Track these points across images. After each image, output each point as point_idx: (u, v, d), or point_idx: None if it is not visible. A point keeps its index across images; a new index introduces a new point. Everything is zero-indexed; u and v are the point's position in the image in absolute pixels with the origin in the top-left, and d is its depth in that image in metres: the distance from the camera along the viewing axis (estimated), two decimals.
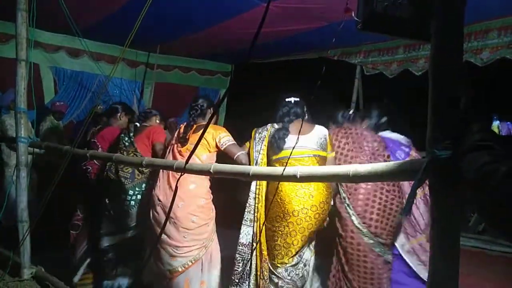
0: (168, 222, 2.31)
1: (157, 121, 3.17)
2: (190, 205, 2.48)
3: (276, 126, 2.46)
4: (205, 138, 2.48)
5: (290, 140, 2.34)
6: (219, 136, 2.57)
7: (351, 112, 2.81)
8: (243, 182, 2.51)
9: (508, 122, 5.73)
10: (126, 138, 2.83)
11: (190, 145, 2.52)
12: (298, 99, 2.53)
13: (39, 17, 3.08)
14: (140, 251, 2.80)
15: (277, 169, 1.78)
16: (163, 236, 2.41)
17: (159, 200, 2.52)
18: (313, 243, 2.44)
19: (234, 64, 7.05)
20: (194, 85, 6.79)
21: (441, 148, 1.11)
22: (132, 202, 2.72)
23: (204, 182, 2.56)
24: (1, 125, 4.14)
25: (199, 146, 2.19)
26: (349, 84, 5.77)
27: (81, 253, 3.03)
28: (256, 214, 2.37)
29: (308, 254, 2.40)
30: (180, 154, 2.56)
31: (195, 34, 4.79)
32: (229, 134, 2.63)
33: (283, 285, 2.29)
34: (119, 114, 3.29)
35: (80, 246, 3.06)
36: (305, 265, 2.37)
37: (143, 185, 2.77)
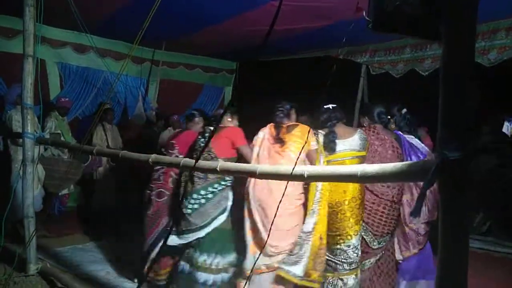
0: (269, 224, 2.46)
1: (229, 119, 3.19)
2: (290, 205, 2.64)
3: (321, 132, 2.78)
4: (300, 137, 2.71)
5: (339, 142, 2.70)
6: (311, 136, 2.77)
7: (385, 114, 3.01)
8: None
9: None
10: (202, 140, 3.00)
11: (288, 144, 2.72)
12: (335, 105, 2.87)
13: (46, 12, 3.09)
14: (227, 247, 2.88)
15: (283, 168, 1.78)
16: (263, 236, 2.56)
17: (259, 199, 2.65)
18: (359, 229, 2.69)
19: (239, 62, 7.04)
20: (198, 82, 6.79)
21: (451, 149, 1.10)
22: (203, 201, 2.82)
23: (300, 183, 2.70)
24: (8, 121, 4.15)
25: (296, 144, 2.68)
26: (354, 83, 5.75)
27: (152, 240, 3.15)
28: (319, 207, 2.60)
29: (355, 240, 2.64)
30: (280, 154, 2.73)
31: (200, 32, 4.78)
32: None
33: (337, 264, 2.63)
34: (196, 119, 3.46)
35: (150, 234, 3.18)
36: (354, 249, 2.63)
37: (215, 185, 2.86)
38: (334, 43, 4.72)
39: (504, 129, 5.25)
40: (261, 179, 2.44)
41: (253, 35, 4.32)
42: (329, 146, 2.68)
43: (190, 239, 2.85)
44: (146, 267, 3.08)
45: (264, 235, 2.58)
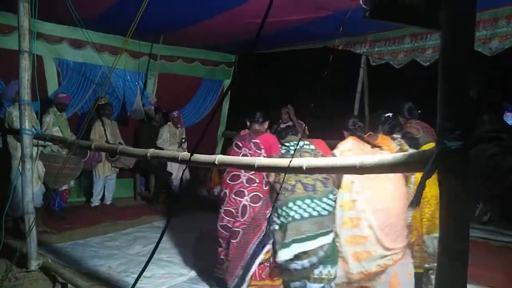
0: (389, 227, 2.57)
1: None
2: (405, 206, 2.68)
3: (395, 136, 2.96)
4: (386, 144, 2.83)
5: (420, 139, 2.92)
6: (391, 142, 2.90)
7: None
8: None
9: None
10: (306, 145, 2.91)
11: (384, 149, 2.78)
12: (391, 113, 3.05)
13: (41, 8, 3.06)
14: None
15: (282, 161, 1.76)
16: (382, 240, 2.56)
17: (384, 204, 2.61)
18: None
19: (238, 55, 7.00)
20: (197, 76, 6.75)
21: (451, 139, 1.08)
22: (333, 205, 2.72)
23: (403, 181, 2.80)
24: (7, 117, 4.14)
25: (384, 149, 2.78)
26: (354, 74, 5.72)
27: (246, 259, 2.91)
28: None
29: None
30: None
31: (198, 24, 4.74)
32: None
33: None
34: (264, 122, 3.25)
35: (244, 253, 2.92)
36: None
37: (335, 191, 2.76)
38: (333, 34, 4.67)
39: (508, 119, 5.22)
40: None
41: (252, 27, 4.27)
42: (413, 142, 2.86)
43: (317, 244, 2.63)
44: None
45: (379, 239, 2.56)
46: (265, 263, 2.90)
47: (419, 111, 3.24)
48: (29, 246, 3.12)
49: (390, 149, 2.80)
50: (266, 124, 3.27)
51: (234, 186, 2.97)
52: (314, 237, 2.64)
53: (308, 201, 2.70)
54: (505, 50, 3.77)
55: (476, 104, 1.10)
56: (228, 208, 2.97)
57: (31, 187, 3.19)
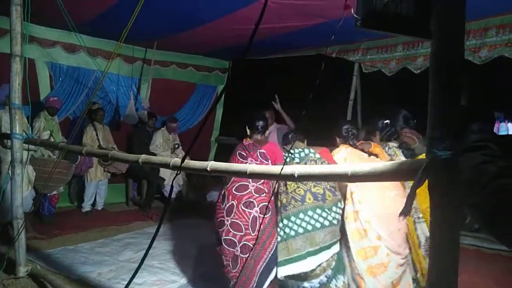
0: (395, 233, 2.56)
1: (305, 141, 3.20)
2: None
3: (390, 144, 2.95)
4: (380, 152, 2.84)
5: (416, 149, 2.91)
6: (383, 150, 2.90)
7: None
8: None
9: None
10: (311, 152, 2.90)
11: (380, 158, 2.79)
12: (388, 120, 3.05)
13: (34, 11, 3.05)
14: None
15: (274, 168, 1.76)
16: (393, 247, 2.55)
17: (388, 211, 2.57)
18: None
19: (232, 61, 7.01)
20: (191, 81, 6.75)
21: (441, 148, 1.09)
22: (339, 216, 2.72)
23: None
24: None
25: (380, 158, 2.77)
26: (347, 81, 5.76)
27: (257, 277, 2.72)
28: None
29: None
30: None
31: (192, 30, 4.75)
32: None
33: None
34: (266, 131, 3.15)
35: (255, 269, 2.74)
36: None
37: (342, 201, 2.75)
38: (326, 41, 4.71)
39: (503, 129, 5.26)
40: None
41: (245, 33, 4.29)
42: (409, 153, 2.87)
43: (330, 254, 2.63)
44: None
45: (391, 247, 2.56)
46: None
47: (414, 120, 3.19)
48: (17, 252, 3.07)
49: (383, 158, 2.81)
50: (267, 133, 3.18)
51: (242, 197, 2.79)
52: (328, 247, 2.63)
53: (319, 211, 2.69)
54: (496, 59, 3.83)
55: (467, 113, 1.11)
56: (236, 221, 2.75)
57: (20, 192, 3.15)
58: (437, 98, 1.14)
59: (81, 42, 4.14)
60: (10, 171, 3.20)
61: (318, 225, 2.65)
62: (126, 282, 3.17)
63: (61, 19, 3.44)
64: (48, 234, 4.35)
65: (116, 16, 4.11)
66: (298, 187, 2.72)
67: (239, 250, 2.74)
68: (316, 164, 2.81)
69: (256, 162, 2.90)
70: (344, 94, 5.78)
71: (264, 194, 2.82)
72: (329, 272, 2.63)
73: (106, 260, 3.76)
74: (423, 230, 2.65)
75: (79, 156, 4.71)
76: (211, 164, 1.88)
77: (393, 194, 2.64)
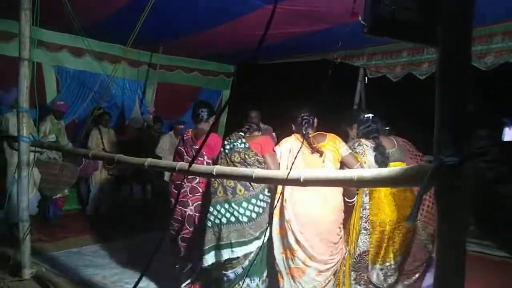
0: (318, 239, 2.44)
1: (259, 132, 3.03)
2: (339, 218, 2.55)
3: (363, 141, 2.69)
4: (334, 147, 2.59)
5: (390, 155, 2.64)
6: (339, 144, 2.61)
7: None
8: None
9: None
10: (239, 143, 2.74)
11: (326, 154, 2.56)
12: (373, 114, 2.75)
13: (43, 16, 3.08)
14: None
15: (280, 172, 1.77)
16: (311, 254, 2.46)
17: (308, 216, 2.47)
18: None
19: (237, 65, 7.04)
20: (196, 86, 6.78)
21: (447, 154, 1.09)
22: (261, 210, 2.61)
23: (341, 194, 2.60)
24: (4, 123, 4.13)
25: (332, 154, 2.56)
26: (351, 86, 5.76)
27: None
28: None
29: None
30: (321, 167, 2.54)
31: (198, 35, 4.78)
32: (344, 143, 2.66)
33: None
34: (209, 118, 3.07)
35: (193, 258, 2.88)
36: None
37: (265, 192, 2.65)
38: (331, 46, 4.72)
39: (509, 135, 5.23)
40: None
41: (251, 38, 4.32)
42: (381, 159, 2.59)
43: (238, 254, 2.55)
44: None
45: (311, 252, 2.45)
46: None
47: (388, 127, 2.99)
48: (22, 254, 3.09)
49: (335, 155, 2.57)
50: (211, 121, 3.05)
51: (178, 196, 2.87)
52: (234, 245, 2.53)
53: (226, 205, 2.58)
54: (505, 65, 3.83)
55: (475, 119, 1.12)
56: (176, 217, 2.90)
57: (27, 194, 3.17)
58: (444, 105, 1.14)
59: (88, 46, 4.19)
60: (16, 174, 3.22)
61: (224, 220, 2.57)
62: (130, 286, 3.20)
63: (69, 23, 3.49)
64: (53, 236, 4.37)
65: (122, 20, 4.14)
66: (214, 180, 2.63)
67: (179, 240, 2.90)
68: (239, 155, 2.68)
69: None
70: (348, 99, 5.78)
71: (199, 193, 2.87)
72: (239, 270, 2.58)
73: (110, 263, 3.77)
74: (362, 242, 2.54)
75: (83, 159, 4.73)
76: (217, 169, 1.89)
77: (325, 198, 2.49)
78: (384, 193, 2.56)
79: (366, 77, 5.47)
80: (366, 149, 2.66)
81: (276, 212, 2.56)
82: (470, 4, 1.13)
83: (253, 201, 2.58)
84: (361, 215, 2.58)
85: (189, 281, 2.94)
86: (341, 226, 2.60)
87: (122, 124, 6.01)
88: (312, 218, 2.47)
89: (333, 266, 2.53)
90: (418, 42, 1.33)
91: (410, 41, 1.34)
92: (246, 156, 2.68)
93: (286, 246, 2.52)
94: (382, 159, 2.58)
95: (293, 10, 3.57)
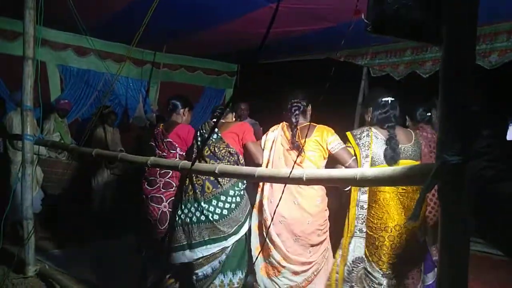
0: (293, 240, 2.33)
1: (233, 119, 2.91)
2: (318, 220, 2.40)
3: (374, 130, 2.32)
4: (319, 143, 2.35)
5: (402, 150, 2.26)
6: (329, 139, 2.38)
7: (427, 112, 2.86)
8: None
9: None
10: (213, 134, 2.59)
11: (307, 153, 2.35)
12: (393, 98, 2.33)
13: (47, 15, 3.09)
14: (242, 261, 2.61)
15: (282, 171, 1.76)
16: (286, 254, 2.37)
17: (283, 217, 2.36)
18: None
19: (240, 64, 7.04)
20: (200, 85, 6.79)
21: (451, 153, 1.09)
22: (233, 205, 2.53)
23: (324, 195, 2.46)
24: (7, 122, 4.16)
25: (316, 153, 2.29)
26: (355, 85, 5.74)
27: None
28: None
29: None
30: (299, 166, 2.35)
31: (201, 34, 4.78)
32: (337, 136, 2.41)
33: None
34: (182, 110, 2.99)
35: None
36: None
37: (240, 186, 2.56)
38: (335, 45, 4.71)
39: None
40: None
41: (254, 37, 4.32)
42: (391, 156, 2.23)
43: (213, 250, 2.48)
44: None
45: (286, 253, 2.37)
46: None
47: (428, 114, 2.87)
48: (27, 252, 3.11)
49: (322, 152, 2.37)
50: (181, 113, 2.98)
51: (151, 192, 2.80)
52: (208, 242, 2.47)
53: (196, 204, 2.51)
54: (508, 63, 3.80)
55: (479, 118, 1.11)
56: (148, 217, 2.80)
57: (30, 192, 3.19)
58: (448, 103, 1.13)
59: (92, 45, 4.20)
60: (20, 172, 3.24)
61: (194, 219, 2.50)
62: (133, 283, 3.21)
63: (73, 22, 3.50)
64: (57, 234, 4.39)
65: (126, 19, 4.15)
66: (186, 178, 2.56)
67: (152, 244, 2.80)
68: (208, 147, 2.58)
69: (163, 154, 2.83)
70: (352, 97, 5.76)
71: (173, 188, 2.79)
72: (215, 263, 2.51)
73: (114, 260, 3.78)
74: (356, 247, 2.32)
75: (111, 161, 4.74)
76: (219, 167, 1.89)
77: (299, 200, 2.37)
78: (390, 195, 2.24)
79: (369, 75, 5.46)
80: (375, 141, 2.29)
81: (256, 207, 2.50)
82: (474, 3, 1.13)
83: (223, 198, 2.49)
84: (356, 215, 2.32)
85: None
86: (323, 227, 2.46)
87: (126, 122, 6.03)
88: (287, 219, 2.37)
89: (312, 267, 2.44)
90: (422, 41, 1.32)
91: (414, 40, 1.33)
92: (216, 149, 2.57)
93: (261, 243, 2.46)
94: (391, 155, 2.23)
95: (297, 9, 3.57)
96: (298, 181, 1.57)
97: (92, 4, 3.88)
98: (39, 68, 3.19)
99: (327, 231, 2.52)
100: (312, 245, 2.43)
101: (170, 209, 2.76)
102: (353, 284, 2.32)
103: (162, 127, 2.97)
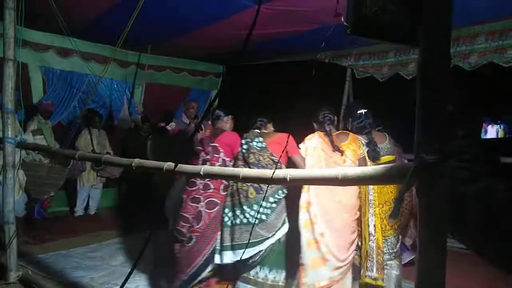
0: (335, 236, 2.52)
1: (272, 128, 3.14)
2: (352, 216, 2.66)
3: (362, 139, 2.82)
4: (356, 149, 2.73)
5: (380, 149, 2.79)
6: (360, 146, 2.79)
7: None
8: None
9: None
10: (256, 142, 2.84)
11: (346, 153, 2.69)
12: (366, 110, 2.86)
13: (28, 15, 3.05)
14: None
15: (266, 172, 1.78)
16: (331, 249, 2.53)
17: (327, 214, 2.57)
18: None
19: (226, 65, 7.04)
20: (185, 86, 6.76)
21: (428, 153, 1.12)
22: (269, 211, 2.74)
23: (358, 194, 2.74)
24: None
25: (351, 153, 2.71)
26: (339, 87, 5.80)
27: (195, 268, 2.88)
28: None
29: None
30: (341, 165, 2.65)
31: (186, 35, 4.77)
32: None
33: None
34: (225, 117, 3.17)
35: (194, 261, 2.88)
36: None
37: (279, 192, 2.76)
38: (319, 47, 4.75)
39: (491, 132, 5.35)
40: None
41: (239, 38, 4.33)
42: (373, 154, 2.76)
43: (252, 253, 2.67)
44: None
45: (331, 247, 2.54)
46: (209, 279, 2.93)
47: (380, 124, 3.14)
48: (8, 257, 3.04)
49: (355, 155, 2.72)
50: (225, 120, 3.17)
51: (191, 192, 2.95)
52: (248, 245, 2.61)
53: (240, 208, 2.74)
54: (486, 64, 3.90)
55: (455, 118, 1.14)
56: (184, 214, 2.93)
57: (12, 196, 3.13)
58: (425, 104, 1.16)
59: (75, 46, 4.15)
60: (1, 176, 3.18)
61: (237, 221, 2.73)
62: (118, 287, 3.17)
63: (55, 23, 3.45)
64: (40, 238, 4.32)
65: (110, 20, 4.12)
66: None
67: (186, 241, 2.91)
68: (253, 156, 2.80)
69: (207, 156, 3.00)
70: (336, 98, 5.82)
71: (211, 189, 2.93)
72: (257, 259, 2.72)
73: (98, 265, 3.74)
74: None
75: (71, 160, 4.69)
76: (204, 169, 1.89)
77: (340, 199, 2.62)
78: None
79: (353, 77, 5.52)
80: (362, 146, 2.80)
81: (304, 207, 2.64)
82: (448, 6, 1.16)
83: (263, 204, 2.70)
84: (369, 213, 2.74)
85: (203, 276, 2.89)
86: (355, 226, 2.71)
87: (111, 124, 5.97)
88: (332, 216, 2.58)
89: (345, 263, 2.63)
90: (400, 43, 1.36)
91: (392, 42, 1.37)
92: (261, 158, 2.81)
93: (312, 238, 2.61)
94: (373, 154, 2.73)
95: (281, 10, 3.59)
96: (282, 181, 1.59)
97: (75, 5, 3.83)
98: (20, 70, 3.13)
99: (356, 230, 2.73)
100: (349, 242, 2.64)
101: (207, 210, 2.89)
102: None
103: (209, 133, 3.16)
